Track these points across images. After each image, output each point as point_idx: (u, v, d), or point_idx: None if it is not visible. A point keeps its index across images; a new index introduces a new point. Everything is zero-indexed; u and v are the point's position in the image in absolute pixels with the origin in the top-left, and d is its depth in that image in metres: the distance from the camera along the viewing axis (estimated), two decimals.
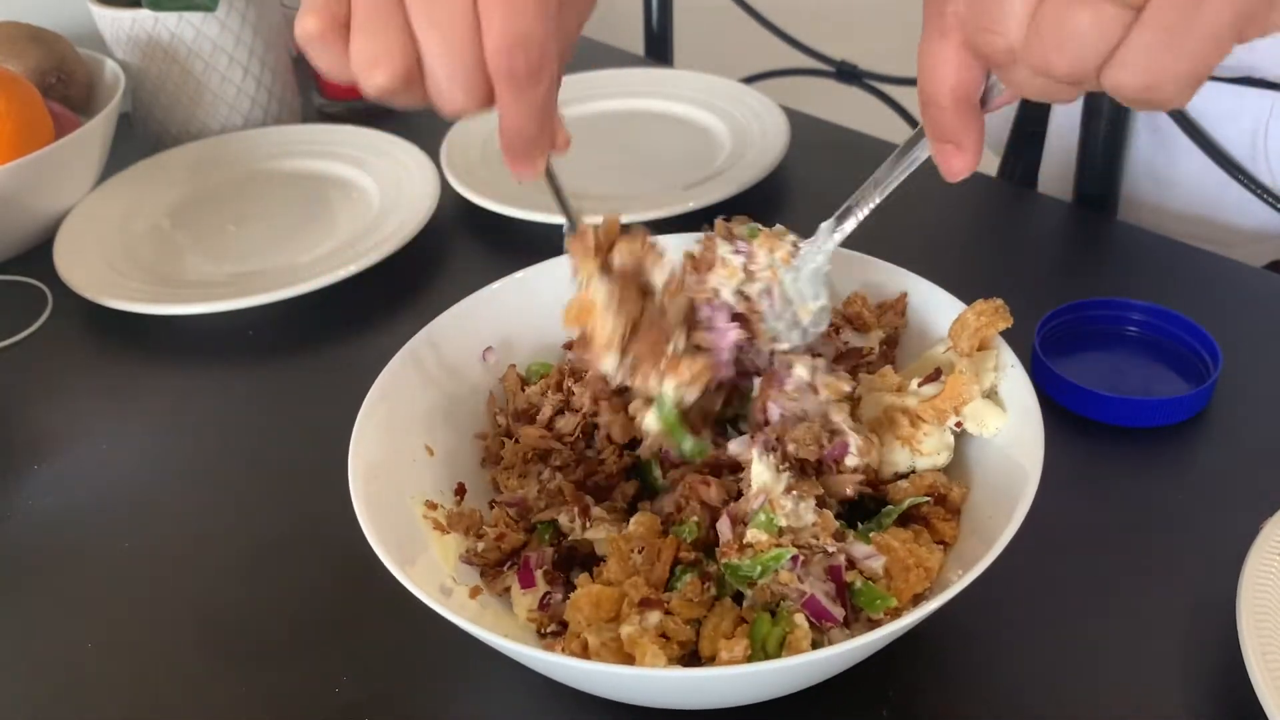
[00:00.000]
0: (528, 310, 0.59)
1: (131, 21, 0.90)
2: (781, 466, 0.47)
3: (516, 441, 0.55)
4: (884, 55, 1.22)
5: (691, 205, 0.79)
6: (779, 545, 0.45)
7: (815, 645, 0.43)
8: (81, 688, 0.51)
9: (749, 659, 0.43)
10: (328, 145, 0.93)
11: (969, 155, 0.39)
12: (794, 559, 0.45)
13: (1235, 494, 0.56)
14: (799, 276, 0.49)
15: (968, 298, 0.53)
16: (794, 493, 0.46)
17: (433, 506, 0.51)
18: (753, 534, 0.45)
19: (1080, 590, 0.52)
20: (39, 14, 0.93)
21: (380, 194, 0.86)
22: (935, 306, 0.56)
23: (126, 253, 0.81)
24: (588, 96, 0.98)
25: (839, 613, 0.44)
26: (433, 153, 0.88)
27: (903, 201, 0.82)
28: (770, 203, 0.84)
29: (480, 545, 0.51)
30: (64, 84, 0.88)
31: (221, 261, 0.81)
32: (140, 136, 0.98)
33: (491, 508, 0.53)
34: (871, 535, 0.47)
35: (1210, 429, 0.60)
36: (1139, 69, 0.31)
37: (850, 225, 0.47)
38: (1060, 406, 0.61)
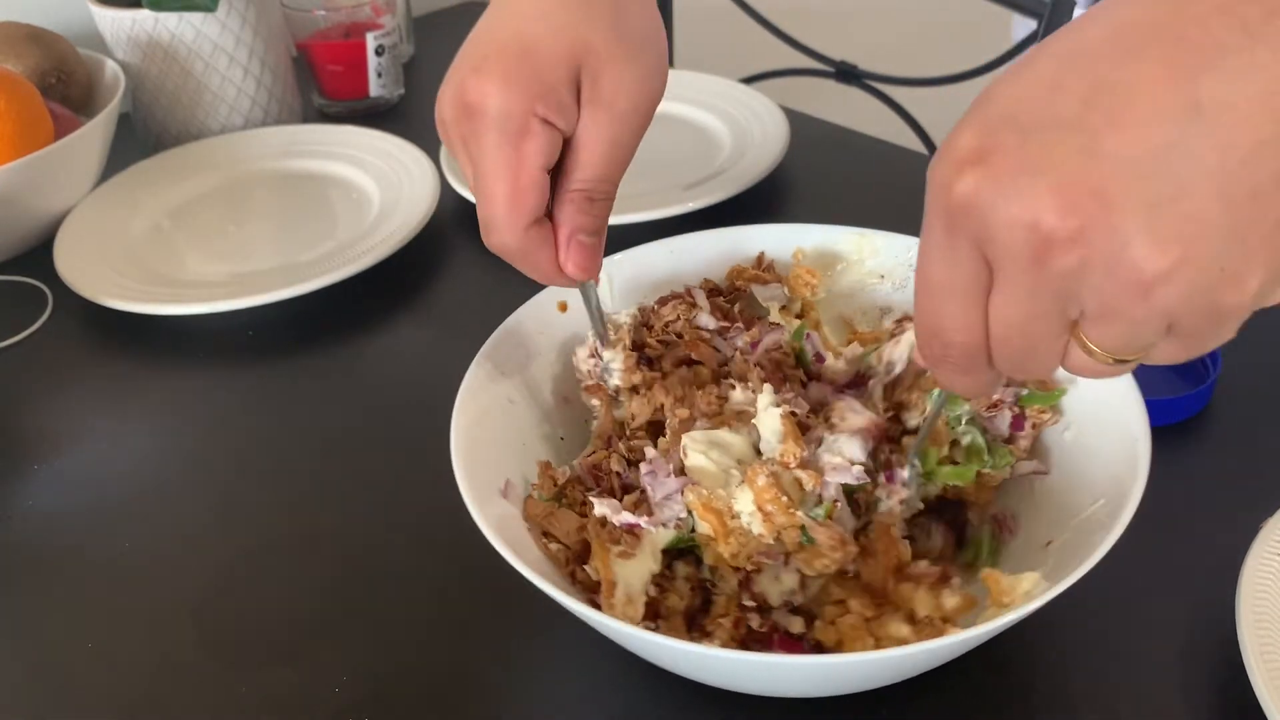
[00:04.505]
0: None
1: (131, 21, 0.90)
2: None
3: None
4: (884, 55, 1.22)
5: (691, 205, 0.79)
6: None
7: None
8: (81, 688, 0.51)
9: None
10: (328, 145, 0.93)
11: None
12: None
13: (1235, 494, 0.56)
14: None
15: None
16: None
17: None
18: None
19: (1079, 589, 0.51)
20: (39, 14, 0.93)
21: (380, 194, 0.86)
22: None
23: (126, 253, 0.81)
24: None
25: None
26: (433, 153, 0.88)
27: (901, 203, 0.83)
28: (770, 203, 0.84)
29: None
30: (64, 84, 0.88)
31: (221, 261, 0.81)
32: (140, 136, 0.98)
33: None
34: None
35: (1210, 429, 0.60)
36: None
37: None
38: None
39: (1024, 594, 0.44)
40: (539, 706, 0.49)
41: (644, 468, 0.48)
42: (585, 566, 0.48)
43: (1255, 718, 0.43)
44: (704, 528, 0.46)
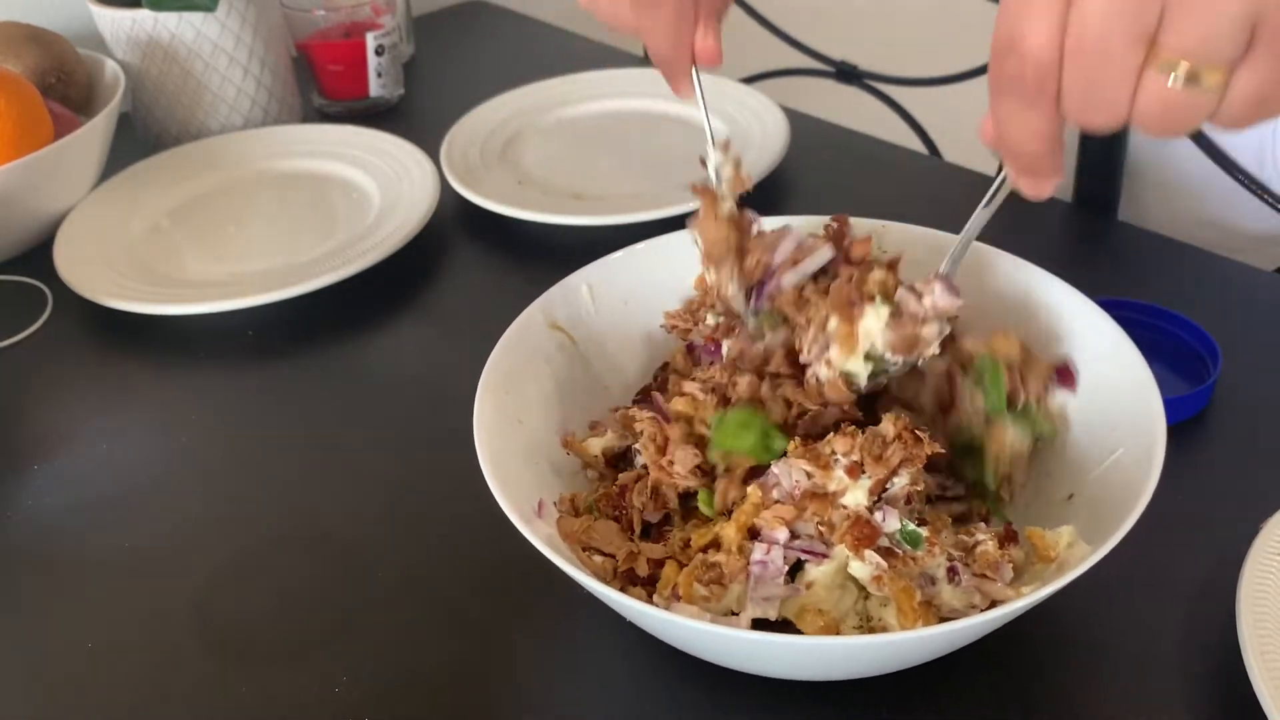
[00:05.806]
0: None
1: (131, 21, 0.90)
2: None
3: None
4: (884, 55, 1.22)
5: (692, 205, 0.79)
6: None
7: None
8: (81, 688, 0.51)
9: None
10: (328, 145, 0.93)
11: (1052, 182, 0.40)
12: None
13: (1235, 494, 0.56)
14: None
15: None
16: None
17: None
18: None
19: (1080, 589, 0.51)
20: (39, 14, 0.93)
21: (380, 194, 0.86)
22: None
23: (126, 253, 0.81)
24: (588, 96, 0.98)
25: None
26: (433, 153, 0.88)
27: (901, 202, 0.83)
28: (770, 203, 0.84)
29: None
30: (64, 84, 0.88)
31: (221, 261, 0.81)
32: (140, 136, 0.98)
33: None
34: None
35: (1210, 429, 0.60)
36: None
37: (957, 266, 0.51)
38: None
39: (1066, 548, 0.45)
40: (541, 708, 0.49)
41: (756, 554, 0.46)
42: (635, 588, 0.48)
43: (1255, 718, 0.43)
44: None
